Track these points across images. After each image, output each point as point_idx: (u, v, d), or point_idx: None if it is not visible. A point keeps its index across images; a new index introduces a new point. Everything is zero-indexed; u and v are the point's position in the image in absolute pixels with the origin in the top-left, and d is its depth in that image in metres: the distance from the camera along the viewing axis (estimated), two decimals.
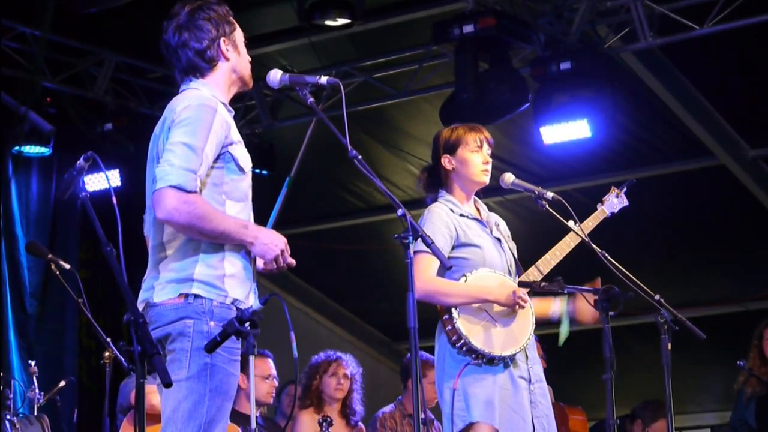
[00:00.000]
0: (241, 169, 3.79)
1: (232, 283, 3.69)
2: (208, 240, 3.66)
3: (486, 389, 4.52)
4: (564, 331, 4.79)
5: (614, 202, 5.01)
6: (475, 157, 4.74)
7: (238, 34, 3.91)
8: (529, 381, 4.65)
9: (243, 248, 3.72)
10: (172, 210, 3.57)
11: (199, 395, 3.59)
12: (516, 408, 4.55)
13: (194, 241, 3.67)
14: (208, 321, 3.62)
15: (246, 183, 3.83)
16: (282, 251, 3.69)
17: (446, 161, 4.78)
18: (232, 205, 3.75)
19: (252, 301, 3.77)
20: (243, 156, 3.80)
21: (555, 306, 4.83)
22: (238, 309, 3.68)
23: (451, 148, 4.77)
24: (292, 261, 3.78)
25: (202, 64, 3.84)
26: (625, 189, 5.03)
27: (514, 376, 4.59)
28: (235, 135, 3.80)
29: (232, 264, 3.70)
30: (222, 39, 3.85)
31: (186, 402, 3.59)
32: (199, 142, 3.63)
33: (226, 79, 3.88)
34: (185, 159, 3.60)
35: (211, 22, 3.84)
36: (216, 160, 3.71)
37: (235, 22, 3.92)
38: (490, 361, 4.54)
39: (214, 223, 3.62)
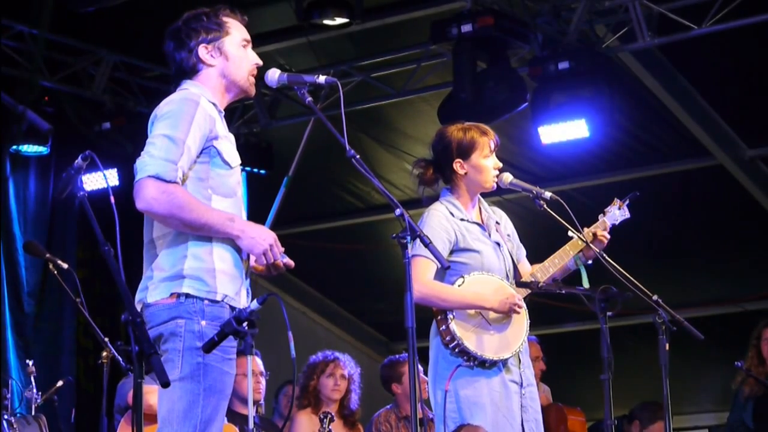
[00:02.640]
0: (228, 164, 3.78)
1: (223, 279, 3.69)
2: (192, 231, 3.65)
3: (477, 392, 4.52)
4: (584, 278, 4.77)
5: (616, 213, 4.99)
6: (489, 162, 4.72)
7: (231, 40, 3.88)
8: (521, 385, 4.64)
9: (232, 243, 3.71)
10: (151, 200, 3.58)
11: (194, 395, 3.58)
12: (505, 412, 4.56)
13: (183, 236, 3.67)
14: (200, 320, 3.62)
15: (234, 179, 3.82)
16: (271, 246, 3.66)
17: (458, 166, 4.72)
18: (219, 200, 3.74)
19: (244, 299, 3.77)
20: (229, 151, 3.80)
21: (569, 263, 4.80)
22: (231, 307, 3.69)
23: (465, 152, 4.71)
24: (290, 262, 3.77)
25: (186, 71, 3.88)
26: (627, 201, 5.01)
27: (505, 379, 4.59)
28: (221, 130, 3.80)
29: (221, 258, 3.70)
30: (201, 46, 3.85)
31: (180, 402, 3.59)
32: (180, 134, 3.64)
33: (215, 83, 3.87)
34: (165, 150, 3.62)
35: (195, 31, 3.86)
36: (200, 155, 3.72)
37: (230, 28, 3.90)
38: (482, 364, 4.54)
39: (195, 214, 3.62)
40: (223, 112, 3.89)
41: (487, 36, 7.94)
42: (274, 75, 3.95)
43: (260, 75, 4.02)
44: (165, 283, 3.67)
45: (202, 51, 3.85)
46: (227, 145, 3.80)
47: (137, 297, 3.71)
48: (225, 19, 3.90)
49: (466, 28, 7.90)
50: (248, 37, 3.94)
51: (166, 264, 3.68)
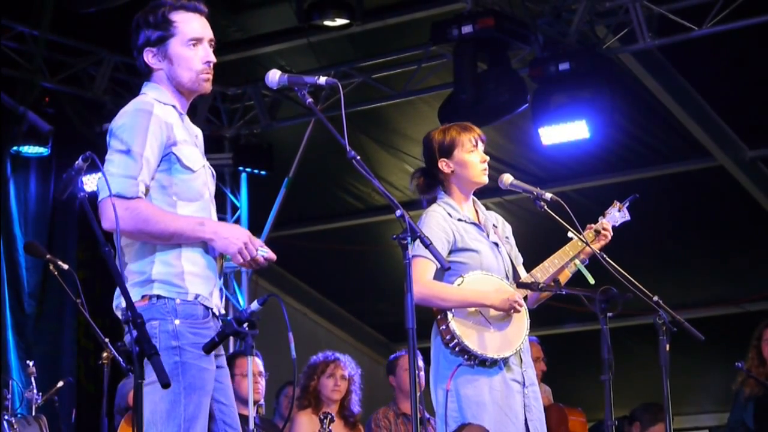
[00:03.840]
0: (189, 168, 3.74)
1: (193, 280, 3.68)
2: (163, 242, 3.66)
3: (478, 390, 4.53)
4: (587, 275, 4.77)
5: (616, 215, 5.01)
6: (473, 157, 4.73)
7: (176, 41, 3.79)
8: (523, 384, 4.65)
9: (203, 245, 3.71)
10: (116, 218, 3.55)
11: (175, 395, 3.57)
12: (507, 411, 4.56)
13: (149, 243, 3.68)
14: (173, 320, 3.62)
15: (199, 181, 3.77)
16: (245, 244, 3.65)
17: (444, 165, 4.75)
18: (185, 206, 3.73)
19: (216, 299, 3.77)
20: (189, 155, 3.76)
21: (569, 269, 4.82)
22: (204, 306, 3.69)
23: (447, 151, 4.75)
24: (271, 255, 3.72)
25: (143, 73, 3.88)
26: (627, 204, 5.03)
27: (506, 379, 4.60)
28: (180, 134, 3.75)
29: (190, 261, 3.69)
30: (146, 50, 3.82)
31: (162, 403, 3.58)
32: (136, 147, 3.64)
33: (167, 85, 3.84)
34: (123, 166, 3.62)
35: (143, 33, 3.83)
36: (161, 163, 3.70)
37: (177, 26, 3.79)
38: (482, 363, 4.54)
39: (162, 224, 3.62)
40: (184, 113, 3.85)
41: (487, 37, 7.95)
42: (274, 76, 3.93)
43: (260, 76, 4.00)
44: (136, 288, 3.66)
45: (148, 55, 3.82)
46: (187, 149, 3.76)
47: (114, 303, 3.70)
48: (174, 17, 3.80)
49: (467, 29, 7.91)
50: (200, 34, 3.81)
51: (135, 269, 3.69)
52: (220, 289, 3.82)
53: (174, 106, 3.80)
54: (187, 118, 3.88)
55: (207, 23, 3.86)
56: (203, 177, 3.79)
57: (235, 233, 3.68)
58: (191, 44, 3.80)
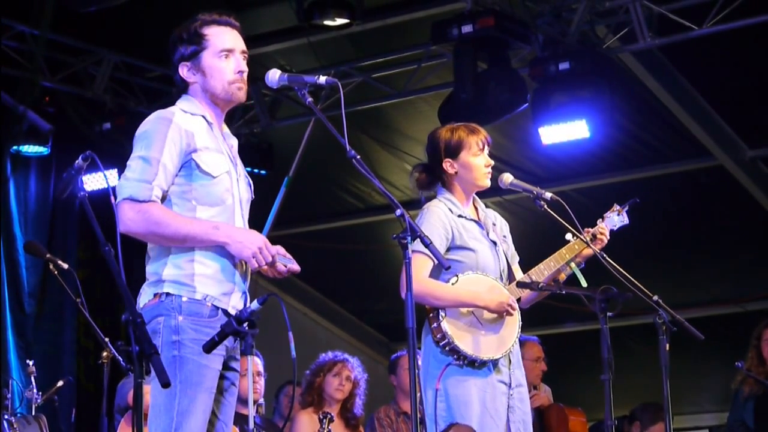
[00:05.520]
0: (208, 174, 3.82)
1: (204, 281, 3.75)
2: (176, 245, 3.74)
3: (467, 391, 4.54)
4: (581, 279, 4.78)
5: (615, 219, 5.02)
6: (478, 160, 4.73)
7: (208, 53, 3.89)
8: (510, 386, 4.65)
9: (219, 249, 3.77)
10: (128, 221, 3.68)
11: (171, 388, 3.60)
12: (492, 412, 4.57)
13: (165, 247, 3.77)
14: (177, 316, 3.70)
15: (220, 187, 3.84)
16: (260, 249, 3.71)
17: (448, 165, 4.74)
18: (204, 210, 3.81)
19: (235, 302, 3.81)
20: (210, 161, 3.83)
21: (565, 272, 4.83)
22: (215, 307, 3.74)
23: (453, 152, 4.74)
24: (296, 267, 3.80)
25: (180, 87, 3.96)
26: (627, 208, 5.04)
27: (494, 380, 4.61)
28: (202, 142, 3.83)
29: (203, 264, 3.76)
30: (181, 65, 3.91)
31: (161, 396, 3.66)
32: (154, 153, 3.74)
33: (201, 97, 3.93)
34: (139, 171, 3.73)
35: (177, 49, 3.92)
36: (181, 169, 3.79)
37: (209, 39, 3.89)
38: (471, 363, 4.55)
39: (173, 227, 3.70)
40: (214, 123, 3.91)
41: (487, 36, 7.94)
42: (274, 76, 3.95)
43: (260, 75, 4.02)
44: (150, 288, 3.79)
45: (183, 69, 3.92)
46: (209, 155, 3.84)
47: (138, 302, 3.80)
48: (206, 31, 3.91)
49: (467, 28, 7.91)
50: (231, 45, 3.91)
51: (150, 271, 3.81)
52: (243, 293, 3.85)
53: (204, 117, 3.89)
54: (222, 128, 3.97)
55: (239, 36, 3.98)
56: (225, 183, 3.86)
57: (249, 238, 3.75)
58: (223, 55, 3.91)
